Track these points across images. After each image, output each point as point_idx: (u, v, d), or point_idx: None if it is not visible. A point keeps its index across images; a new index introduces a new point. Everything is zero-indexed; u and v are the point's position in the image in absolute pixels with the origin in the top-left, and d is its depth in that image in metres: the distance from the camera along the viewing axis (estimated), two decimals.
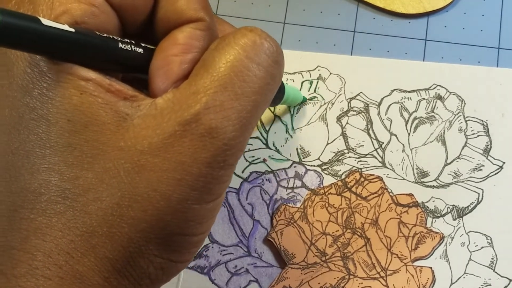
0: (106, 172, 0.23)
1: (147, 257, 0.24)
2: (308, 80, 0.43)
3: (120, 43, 0.24)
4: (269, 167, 0.42)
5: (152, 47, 0.25)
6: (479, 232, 0.39)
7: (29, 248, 0.22)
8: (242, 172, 0.42)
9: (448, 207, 0.40)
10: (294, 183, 0.41)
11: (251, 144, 0.42)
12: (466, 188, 0.40)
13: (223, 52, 0.24)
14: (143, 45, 0.25)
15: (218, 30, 0.27)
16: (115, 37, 0.24)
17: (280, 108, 0.42)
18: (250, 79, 0.24)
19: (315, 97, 0.43)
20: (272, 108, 0.43)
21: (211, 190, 0.24)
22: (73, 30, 0.22)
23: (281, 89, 0.38)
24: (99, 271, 0.23)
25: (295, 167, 0.41)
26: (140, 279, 0.24)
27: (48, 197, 0.23)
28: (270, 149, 0.42)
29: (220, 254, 0.40)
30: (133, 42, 0.25)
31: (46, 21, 0.21)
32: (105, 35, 0.24)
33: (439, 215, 0.40)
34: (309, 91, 0.43)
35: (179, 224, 0.24)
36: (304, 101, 0.42)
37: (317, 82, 0.43)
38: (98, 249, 0.23)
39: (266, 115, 0.42)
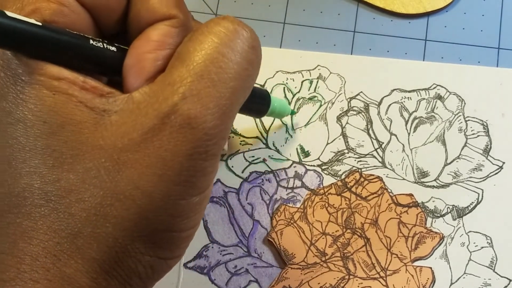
0: (87, 172, 0.23)
1: (134, 256, 0.23)
2: (308, 79, 0.43)
3: (91, 40, 0.24)
4: (269, 167, 0.42)
5: (126, 48, 0.25)
6: (479, 232, 0.39)
7: (17, 252, 0.22)
8: (242, 172, 0.42)
9: (448, 207, 0.40)
10: (294, 183, 0.41)
11: (251, 144, 0.42)
12: (466, 188, 0.40)
13: (197, 42, 0.24)
14: (116, 45, 0.25)
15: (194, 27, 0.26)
16: (86, 35, 0.24)
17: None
18: (226, 65, 0.24)
19: (315, 96, 0.43)
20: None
21: (195, 183, 0.24)
22: (40, 24, 0.22)
23: (267, 100, 0.38)
24: (86, 273, 0.23)
25: (295, 167, 0.41)
26: (129, 279, 0.24)
27: (32, 201, 0.22)
28: (270, 149, 0.42)
29: (220, 254, 0.40)
30: (106, 41, 0.25)
31: (11, 14, 0.21)
32: (75, 32, 0.23)
33: (439, 215, 0.40)
34: (309, 90, 0.43)
35: (164, 221, 0.23)
36: (292, 113, 0.42)
37: (317, 82, 0.43)
38: (84, 251, 0.23)
39: None
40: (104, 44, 0.24)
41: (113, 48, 0.25)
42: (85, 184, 0.22)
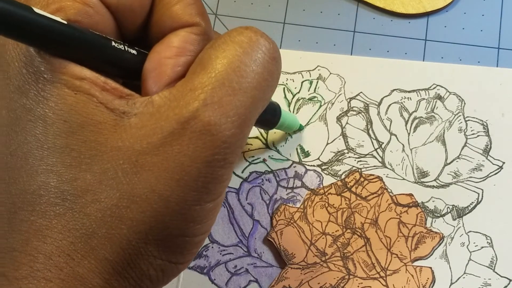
0: (105, 173, 0.23)
1: (147, 258, 0.24)
2: (308, 80, 0.43)
3: (113, 42, 0.24)
4: (269, 167, 0.42)
5: (146, 52, 0.25)
6: (479, 232, 0.39)
7: (30, 250, 0.22)
8: (242, 172, 0.42)
9: (448, 207, 0.40)
10: (294, 183, 0.41)
11: (251, 144, 0.42)
12: (466, 188, 0.40)
13: (219, 50, 0.24)
14: (137, 48, 0.25)
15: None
16: (108, 37, 0.24)
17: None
18: (248, 75, 0.24)
19: (315, 97, 0.43)
20: None
21: (211, 190, 0.24)
22: (65, 22, 0.22)
23: (277, 113, 0.38)
24: (99, 273, 0.23)
25: (295, 167, 0.41)
26: (140, 281, 0.24)
27: (48, 199, 0.22)
28: (270, 149, 0.42)
29: (220, 254, 0.40)
30: (127, 44, 0.25)
31: (38, 10, 0.21)
32: (98, 33, 0.24)
33: (439, 215, 0.40)
34: (309, 91, 0.43)
35: (179, 225, 0.24)
36: (301, 129, 0.42)
37: (317, 82, 0.43)
38: (98, 251, 0.23)
39: None
40: (125, 47, 0.24)
41: (134, 52, 0.25)
42: (102, 184, 0.23)
